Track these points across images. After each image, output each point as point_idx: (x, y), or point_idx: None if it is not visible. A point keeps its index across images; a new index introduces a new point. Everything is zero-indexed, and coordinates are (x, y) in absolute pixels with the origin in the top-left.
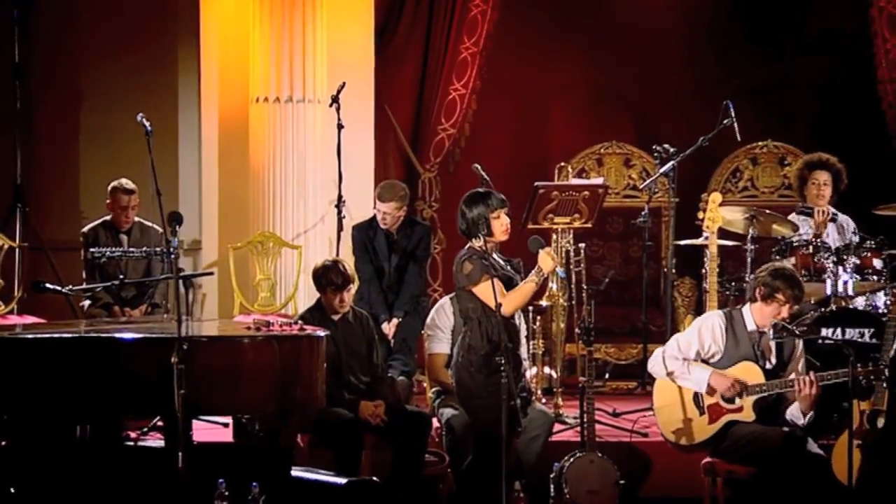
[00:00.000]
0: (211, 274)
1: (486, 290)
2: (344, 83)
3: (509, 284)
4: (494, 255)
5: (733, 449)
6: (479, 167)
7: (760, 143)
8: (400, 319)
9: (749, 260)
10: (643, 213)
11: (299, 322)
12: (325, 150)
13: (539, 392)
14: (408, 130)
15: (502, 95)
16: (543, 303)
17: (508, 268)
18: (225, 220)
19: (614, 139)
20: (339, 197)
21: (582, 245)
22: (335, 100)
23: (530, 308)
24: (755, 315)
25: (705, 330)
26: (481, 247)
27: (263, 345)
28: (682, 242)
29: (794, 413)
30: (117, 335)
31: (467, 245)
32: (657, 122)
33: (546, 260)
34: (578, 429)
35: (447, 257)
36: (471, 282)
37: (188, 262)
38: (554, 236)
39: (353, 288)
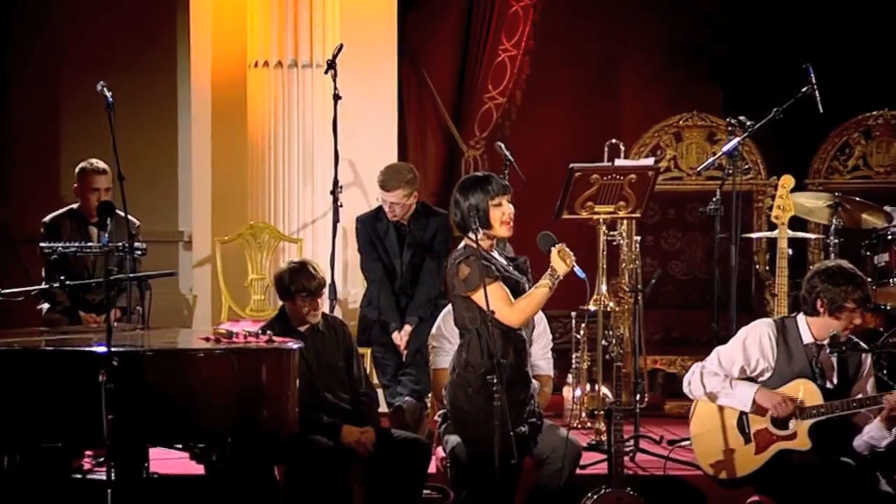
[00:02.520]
0: (172, 275)
1: (489, 297)
2: (341, 45)
3: (515, 289)
4: (495, 253)
5: (785, 484)
6: (502, 146)
7: (875, 113)
8: (414, 326)
9: (832, 256)
10: (714, 199)
11: (268, 333)
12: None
13: (583, 415)
14: (448, 100)
15: (561, 57)
16: (592, 307)
17: (512, 268)
18: (219, 207)
19: (696, 109)
20: (336, 182)
21: (637, 238)
22: (331, 65)
23: (573, 314)
24: (814, 327)
25: (752, 342)
26: (479, 243)
27: (221, 360)
28: (754, 235)
29: (875, 434)
30: (42, 348)
31: (463, 243)
32: (749, 88)
33: (559, 261)
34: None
35: None
36: (468, 288)
37: (187, 258)
38: (605, 229)
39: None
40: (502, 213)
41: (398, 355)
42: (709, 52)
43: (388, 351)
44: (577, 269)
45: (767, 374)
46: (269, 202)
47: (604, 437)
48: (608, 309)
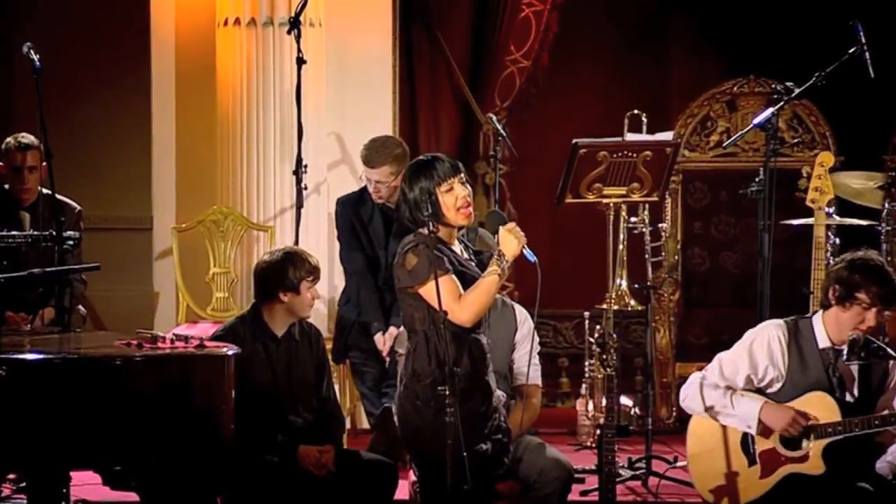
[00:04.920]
0: (96, 268)
1: (435, 293)
2: (305, 1)
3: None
4: (455, 244)
5: None
6: (493, 117)
7: None
8: (399, 328)
9: (883, 247)
10: (757, 178)
11: (201, 338)
12: (321, 91)
13: (597, 432)
14: (464, 64)
15: (596, 12)
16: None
17: (473, 264)
18: (186, 189)
19: (753, 73)
20: (299, 160)
21: (662, 225)
22: (294, 24)
23: (586, 314)
24: (829, 326)
25: (759, 346)
26: (432, 233)
27: (141, 369)
28: (795, 222)
29: None
30: None
31: (415, 232)
32: (815, 49)
33: (508, 240)
34: (633, 483)
35: None
36: (415, 281)
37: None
38: (617, 214)
39: None
40: (455, 197)
41: (380, 362)
42: (769, 9)
43: (369, 356)
44: (526, 251)
45: (777, 385)
46: (240, 183)
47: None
48: (629, 308)
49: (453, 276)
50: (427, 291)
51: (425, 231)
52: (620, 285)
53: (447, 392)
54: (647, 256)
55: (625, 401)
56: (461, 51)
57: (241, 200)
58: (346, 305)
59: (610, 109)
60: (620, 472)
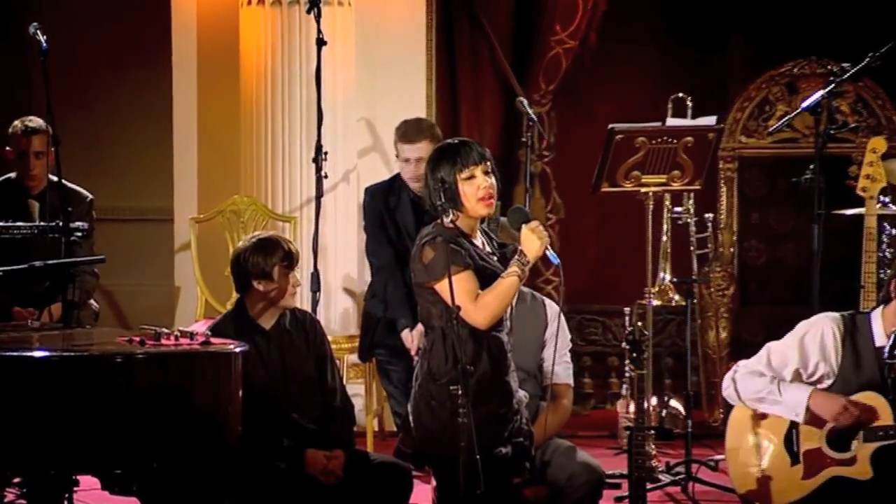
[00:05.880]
0: (101, 261)
1: (454, 289)
2: None
3: (493, 282)
4: (478, 237)
5: None
6: (524, 101)
7: None
8: None
9: None
10: (810, 167)
11: (206, 333)
12: (350, 74)
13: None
14: (507, 46)
15: None
16: (654, 301)
17: (495, 258)
18: (208, 179)
19: (814, 54)
20: (318, 147)
21: (709, 216)
22: (314, 3)
23: (626, 310)
24: (888, 322)
25: (812, 340)
26: (452, 224)
27: (143, 367)
28: (849, 212)
29: None
30: None
31: (433, 223)
32: (883, 28)
33: (531, 240)
34: (672, 489)
35: (566, 231)
36: (430, 276)
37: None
38: (659, 204)
39: None
40: (476, 187)
41: (407, 360)
42: None
43: (395, 354)
44: (549, 252)
45: (827, 382)
46: (264, 172)
47: (655, 463)
48: (672, 304)
49: (471, 273)
50: (442, 288)
51: (445, 222)
52: (664, 279)
53: (459, 392)
54: (692, 248)
55: (673, 403)
56: (503, 31)
57: (265, 190)
58: (372, 301)
59: (662, 93)
60: (660, 476)
